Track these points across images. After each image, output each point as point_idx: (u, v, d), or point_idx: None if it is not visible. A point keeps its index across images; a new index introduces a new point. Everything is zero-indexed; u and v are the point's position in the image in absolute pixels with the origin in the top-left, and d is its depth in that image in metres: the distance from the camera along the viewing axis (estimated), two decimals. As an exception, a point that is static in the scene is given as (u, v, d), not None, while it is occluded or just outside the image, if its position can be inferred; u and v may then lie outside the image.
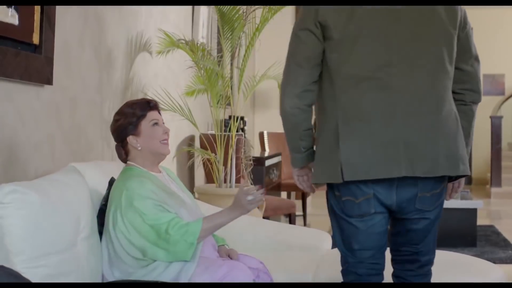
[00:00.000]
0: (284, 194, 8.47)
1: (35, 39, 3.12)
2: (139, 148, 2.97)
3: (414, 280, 2.73)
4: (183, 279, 2.79)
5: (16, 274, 1.95)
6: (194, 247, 2.78)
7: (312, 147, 2.74)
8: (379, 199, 2.57)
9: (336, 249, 4.08)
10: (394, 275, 2.81)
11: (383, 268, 2.71)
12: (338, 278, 3.51)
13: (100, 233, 2.96)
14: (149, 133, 2.96)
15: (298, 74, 2.61)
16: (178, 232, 2.76)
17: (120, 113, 2.99)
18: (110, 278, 2.87)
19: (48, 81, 3.24)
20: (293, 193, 8.76)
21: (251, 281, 2.85)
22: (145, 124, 2.96)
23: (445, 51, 2.58)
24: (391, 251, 2.80)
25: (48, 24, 3.19)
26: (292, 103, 2.63)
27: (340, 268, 2.76)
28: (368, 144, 2.51)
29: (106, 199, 3.04)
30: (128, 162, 3.01)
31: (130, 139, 2.96)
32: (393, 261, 2.80)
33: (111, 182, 3.12)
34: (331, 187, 2.65)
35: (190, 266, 2.81)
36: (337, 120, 2.54)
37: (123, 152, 3.01)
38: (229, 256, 3.08)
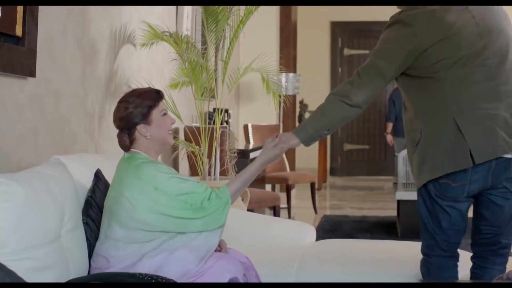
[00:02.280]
0: (268, 187, 8.48)
1: (18, 31, 3.10)
2: (148, 137, 2.97)
3: (494, 258, 3.03)
4: (208, 247, 2.88)
5: (1, 266, 1.95)
6: (229, 206, 2.93)
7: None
8: (474, 185, 2.87)
9: (320, 241, 4.14)
10: (474, 256, 3.08)
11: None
12: (321, 270, 3.53)
13: (86, 224, 2.95)
14: (159, 122, 2.99)
15: (381, 80, 2.95)
16: (216, 198, 2.91)
17: (128, 101, 2.96)
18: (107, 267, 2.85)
19: (31, 73, 3.22)
20: (277, 186, 8.77)
21: (240, 272, 2.88)
22: (156, 113, 2.98)
23: None
24: (473, 234, 3.07)
25: (31, 16, 3.18)
26: (367, 99, 2.96)
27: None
28: (486, 128, 2.84)
29: (92, 190, 3.04)
30: (131, 149, 3.01)
31: (140, 127, 2.96)
32: (474, 245, 3.07)
33: (97, 174, 3.11)
34: None
35: (217, 232, 2.92)
36: (452, 116, 2.85)
37: (128, 140, 3.00)
38: (218, 245, 3.10)
